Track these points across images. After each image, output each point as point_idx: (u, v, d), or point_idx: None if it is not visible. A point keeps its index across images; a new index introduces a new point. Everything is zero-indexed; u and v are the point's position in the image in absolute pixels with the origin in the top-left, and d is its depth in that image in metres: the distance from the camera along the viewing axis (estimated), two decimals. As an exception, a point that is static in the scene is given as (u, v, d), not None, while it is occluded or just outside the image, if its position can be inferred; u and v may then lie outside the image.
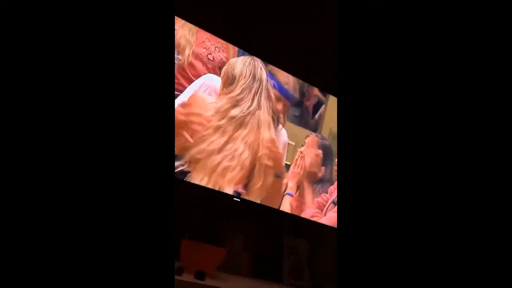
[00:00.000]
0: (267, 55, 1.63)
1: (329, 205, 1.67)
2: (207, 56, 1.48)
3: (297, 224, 1.68)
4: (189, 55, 1.44)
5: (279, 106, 1.59)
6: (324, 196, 1.67)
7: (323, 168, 1.68)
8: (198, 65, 1.46)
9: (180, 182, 1.36)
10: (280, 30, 1.78)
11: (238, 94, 1.47)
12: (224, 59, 1.51)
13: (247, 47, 1.58)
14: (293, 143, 1.64)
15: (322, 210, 1.66)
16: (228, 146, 1.43)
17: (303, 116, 1.69)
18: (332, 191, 1.69)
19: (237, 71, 1.49)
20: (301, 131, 1.67)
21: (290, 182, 1.61)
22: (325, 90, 1.76)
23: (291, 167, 1.62)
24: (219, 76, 1.50)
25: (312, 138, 1.68)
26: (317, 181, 1.66)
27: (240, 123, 1.45)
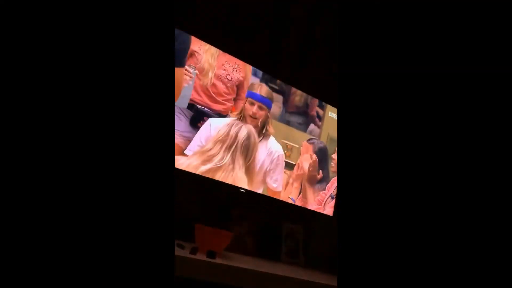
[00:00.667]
0: (268, 64, 1.71)
1: (327, 199, 1.76)
2: (226, 76, 1.57)
3: (293, 212, 1.75)
4: (211, 77, 1.53)
5: (263, 112, 1.61)
6: (322, 193, 1.77)
7: (320, 170, 1.76)
8: (219, 84, 1.56)
9: (193, 177, 1.42)
10: (278, 38, 1.81)
11: (210, 149, 1.45)
12: (241, 78, 1.61)
13: (249, 56, 1.63)
14: (297, 146, 1.74)
15: (321, 205, 1.76)
16: None
17: (308, 124, 1.78)
18: (330, 187, 1.78)
19: (216, 131, 1.48)
20: (304, 136, 1.77)
21: (295, 182, 1.69)
22: (324, 97, 1.82)
23: (295, 169, 1.71)
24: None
25: (305, 145, 1.74)
26: (316, 182, 1.75)
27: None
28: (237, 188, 1.52)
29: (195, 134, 1.50)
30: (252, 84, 1.63)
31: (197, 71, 1.50)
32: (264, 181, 1.60)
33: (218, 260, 1.22)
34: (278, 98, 1.71)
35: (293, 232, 1.77)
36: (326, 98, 1.81)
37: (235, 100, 1.60)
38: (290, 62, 1.83)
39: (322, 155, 1.77)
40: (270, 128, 1.63)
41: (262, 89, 1.64)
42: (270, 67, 1.70)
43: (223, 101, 1.57)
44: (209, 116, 1.53)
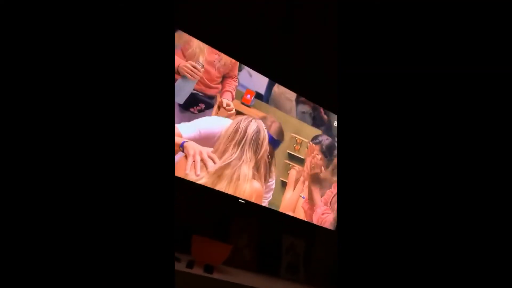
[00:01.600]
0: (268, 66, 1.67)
1: (334, 197, 1.72)
2: (219, 61, 1.52)
3: (294, 225, 1.71)
4: (202, 63, 1.49)
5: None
6: (328, 191, 1.72)
7: (323, 168, 1.72)
8: (212, 70, 1.51)
9: (192, 186, 1.40)
10: (279, 41, 1.79)
11: (222, 149, 1.43)
12: (234, 60, 1.57)
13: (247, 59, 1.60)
14: (306, 140, 1.70)
15: (328, 204, 1.72)
16: None
17: (316, 116, 1.74)
18: (336, 185, 1.74)
19: (224, 130, 1.47)
20: (314, 131, 1.73)
21: (306, 181, 1.66)
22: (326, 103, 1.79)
23: (305, 167, 1.68)
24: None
25: (310, 146, 1.71)
26: (321, 181, 1.71)
27: (218, 176, 1.41)
28: (237, 198, 1.48)
29: (184, 118, 1.46)
30: (266, 118, 1.59)
31: (203, 68, 1.48)
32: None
33: (215, 275, 1.19)
34: (291, 95, 1.69)
35: (293, 246, 1.75)
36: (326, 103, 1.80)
37: (224, 78, 1.55)
38: (293, 66, 1.82)
39: (329, 152, 1.74)
40: (273, 169, 1.60)
41: (274, 126, 1.60)
42: (273, 71, 1.67)
43: (215, 85, 1.53)
44: (203, 102, 1.50)
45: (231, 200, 1.47)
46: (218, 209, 1.59)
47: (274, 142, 1.59)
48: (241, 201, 1.48)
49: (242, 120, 1.50)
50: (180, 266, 1.13)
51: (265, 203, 1.57)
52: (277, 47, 1.78)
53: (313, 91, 1.75)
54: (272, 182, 1.60)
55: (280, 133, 1.62)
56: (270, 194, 1.59)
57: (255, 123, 1.50)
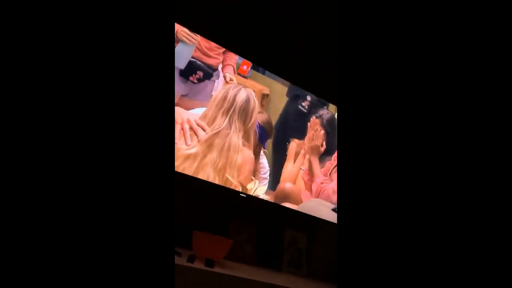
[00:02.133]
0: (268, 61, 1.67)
1: (333, 168, 1.74)
2: None
3: (296, 219, 1.72)
4: None
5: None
6: (328, 163, 1.74)
7: (324, 142, 1.72)
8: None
9: (193, 181, 1.39)
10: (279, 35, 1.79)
11: (212, 117, 1.42)
12: None
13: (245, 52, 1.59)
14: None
15: (327, 175, 1.73)
16: (199, 175, 1.38)
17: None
18: (336, 157, 1.77)
19: (213, 97, 1.46)
20: None
21: (307, 154, 1.68)
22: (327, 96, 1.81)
23: (306, 140, 1.69)
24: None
25: (313, 120, 1.71)
26: (323, 154, 1.72)
27: (208, 146, 1.39)
28: (238, 192, 1.49)
29: (185, 87, 1.46)
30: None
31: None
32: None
33: (216, 269, 1.21)
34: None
35: (296, 240, 1.75)
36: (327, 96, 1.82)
37: (225, 52, 1.55)
38: (292, 65, 1.82)
39: (330, 126, 1.74)
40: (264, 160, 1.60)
41: (263, 117, 1.60)
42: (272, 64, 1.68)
43: (215, 55, 1.51)
44: (202, 70, 1.48)
45: (233, 194, 1.47)
46: (219, 204, 1.59)
47: (262, 135, 1.56)
48: (242, 195, 1.48)
49: (231, 88, 1.47)
50: (181, 261, 1.14)
51: (262, 195, 1.57)
52: (277, 46, 1.77)
53: (313, 91, 1.75)
54: (266, 172, 1.60)
55: (268, 124, 1.60)
56: (266, 182, 1.59)
57: (245, 92, 1.46)
